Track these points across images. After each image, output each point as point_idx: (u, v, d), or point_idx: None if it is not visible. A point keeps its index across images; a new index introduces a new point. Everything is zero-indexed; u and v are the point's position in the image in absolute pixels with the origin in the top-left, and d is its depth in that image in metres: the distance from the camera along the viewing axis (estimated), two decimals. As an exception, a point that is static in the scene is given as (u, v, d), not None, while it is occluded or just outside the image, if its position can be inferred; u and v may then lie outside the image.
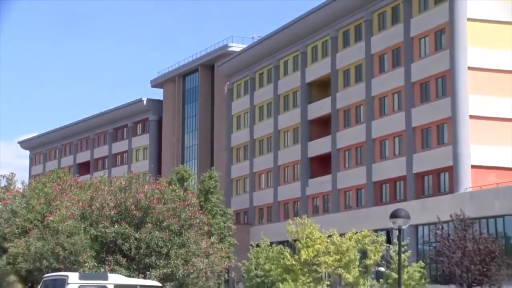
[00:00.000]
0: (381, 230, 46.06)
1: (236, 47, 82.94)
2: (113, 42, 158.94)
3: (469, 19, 52.68)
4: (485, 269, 34.71)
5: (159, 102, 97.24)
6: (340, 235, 40.80)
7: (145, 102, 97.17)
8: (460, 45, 52.56)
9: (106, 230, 27.34)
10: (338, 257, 38.66)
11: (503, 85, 52.70)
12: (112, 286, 20.26)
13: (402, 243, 28.48)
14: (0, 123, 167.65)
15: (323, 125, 67.44)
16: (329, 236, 40.53)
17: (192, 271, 28.03)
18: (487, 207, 45.66)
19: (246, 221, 74.69)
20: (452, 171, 52.42)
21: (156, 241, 27.34)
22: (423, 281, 38.98)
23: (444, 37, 54.24)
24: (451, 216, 37.31)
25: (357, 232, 40.71)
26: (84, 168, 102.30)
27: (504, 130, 52.36)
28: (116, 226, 27.45)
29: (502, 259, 35.91)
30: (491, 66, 52.74)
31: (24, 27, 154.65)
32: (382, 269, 40.05)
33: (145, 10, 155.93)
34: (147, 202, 27.97)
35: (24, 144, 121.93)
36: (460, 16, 52.72)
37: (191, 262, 27.99)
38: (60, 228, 27.35)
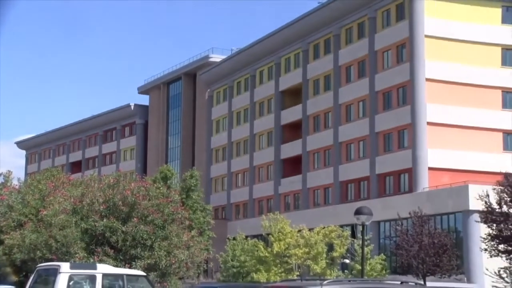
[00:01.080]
0: (346, 225, 46.19)
1: (216, 57, 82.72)
2: (104, 52, 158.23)
3: (426, 36, 52.92)
4: (438, 261, 34.99)
5: (145, 107, 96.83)
6: (309, 229, 40.87)
7: (132, 107, 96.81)
8: (419, 58, 52.78)
9: (95, 223, 27.16)
10: (307, 250, 38.70)
11: (457, 95, 52.94)
12: (101, 275, 20.13)
13: (365, 238, 28.80)
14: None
15: (294, 130, 67.34)
16: (299, 230, 40.55)
17: (174, 261, 27.91)
18: (441, 205, 45.93)
19: (223, 217, 74.55)
20: (411, 172, 52.66)
21: (141, 234, 27.17)
22: (384, 272, 39.24)
23: (405, 51, 54.47)
24: (409, 213, 37.48)
25: (324, 227, 40.72)
26: (76, 167, 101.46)
27: (457, 135, 52.57)
28: (104, 220, 27.26)
29: (453, 251, 36.27)
30: (447, 78, 52.94)
31: (22, 32, 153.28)
32: (347, 261, 40.15)
33: (133, 23, 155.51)
34: (133, 199, 27.79)
35: (20, 144, 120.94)
36: (419, 33, 52.96)
37: (173, 254, 27.86)
38: (53, 222, 27.13)
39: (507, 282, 29.85)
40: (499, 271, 30.58)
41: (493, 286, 31.60)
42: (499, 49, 54.99)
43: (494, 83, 54.28)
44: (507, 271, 30.22)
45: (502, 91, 54.79)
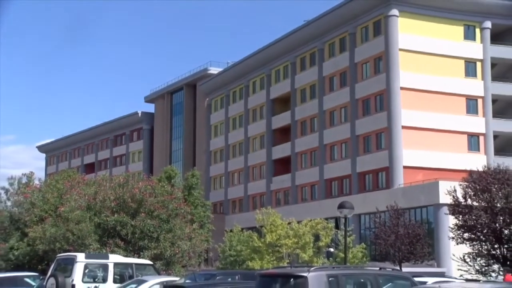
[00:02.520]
0: (331, 218, 45.93)
1: (214, 70, 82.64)
2: (114, 65, 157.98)
3: (400, 50, 53.06)
4: (412, 249, 35.05)
5: (151, 114, 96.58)
6: (298, 222, 40.72)
7: (139, 114, 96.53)
8: (394, 69, 52.90)
9: (107, 218, 27.23)
10: (296, 240, 38.53)
11: (428, 102, 53.09)
12: (112, 264, 20.23)
13: (348, 229, 28.84)
14: (22, 130, 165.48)
15: (284, 134, 67.37)
16: (289, 223, 40.45)
17: (177, 251, 27.99)
18: (415, 199, 46.01)
19: (221, 211, 74.40)
20: (388, 170, 52.76)
21: (148, 227, 27.27)
22: (365, 259, 39.11)
23: (381, 63, 54.51)
24: (387, 207, 37.51)
25: (311, 220, 40.59)
26: (90, 168, 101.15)
27: (429, 138, 52.73)
28: (115, 215, 27.35)
29: (425, 240, 36.37)
30: (419, 87, 53.09)
31: (42, 47, 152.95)
32: (332, 250, 39.97)
33: (140, 39, 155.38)
34: (141, 196, 27.87)
35: (41, 148, 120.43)
36: (394, 47, 53.10)
37: (177, 244, 27.94)
38: (70, 217, 27.17)
39: (470, 266, 30.06)
40: (463, 257, 30.81)
41: (458, 270, 31.81)
42: (462, 61, 55.42)
43: (459, 91, 54.61)
44: (470, 256, 30.43)
45: (466, 98, 55.06)
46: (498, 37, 57.28)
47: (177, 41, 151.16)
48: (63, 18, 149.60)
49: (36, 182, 36.49)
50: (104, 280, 19.76)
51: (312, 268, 12.26)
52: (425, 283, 15.61)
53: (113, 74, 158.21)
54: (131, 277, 19.97)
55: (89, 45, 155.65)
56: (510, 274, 26.23)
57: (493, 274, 29.37)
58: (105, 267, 20.09)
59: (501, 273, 29.13)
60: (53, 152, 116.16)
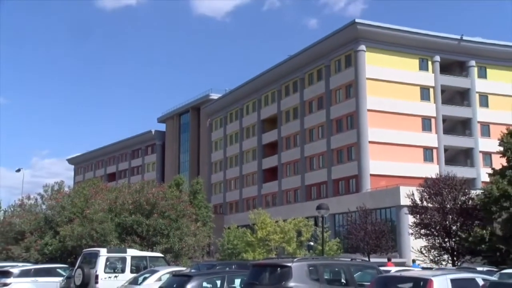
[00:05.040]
0: (311, 217, 45.99)
1: (214, 96, 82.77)
2: (132, 91, 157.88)
3: (367, 78, 53.29)
4: (378, 242, 34.87)
5: (163, 132, 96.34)
6: (283, 220, 40.63)
7: (153, 132, 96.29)
8: (362, 95, 53.02)
9: (126, 219, 27.11)
10: (282, 235, 38.49)
11: (391, 122, 53.19)
12: (130, 257, 20.03)
13: (325, 226, 28.84)
14: (55, 146, 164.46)
15: (272, 148, 67.43)
16: (276, 221, 40.31)
17: (184, 246, 27.84)
18: (380, 202, 46.02)
19: (221, 212, 74.16)
20: (357, 178, 52.74)
21: (160, 226, 27.17)
22: (339, 251, 38.93)
23: (352, 90, 54.63)
24: (357, 208, 37.43)
25: (294, 219, 40.52)
26: (111, 177, 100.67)
27: (391, 151, 52.81)
28: (132, 216, 27.24)
29: (389, 236, 36.21)
30: (383, 109, 53.20)
31: (69, 71, 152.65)
32: (312, 243, 39.84)
33: (155, 69, 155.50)
34: (154, 200, 27.78)
35: (70, 160, 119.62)
36: (362, 76, 53.33)
37: (184, 240, 27.82)
38: (94, 218, 27.05)
39: (426, 256, 30.05)
40: (420, 249, 30.80)
41: (416, 260, 31.77)
42: (418, 88, 55.63)
43: (416, 112, 54.83)
44: (426, 249, 30.44)
45: (422, 118, 55.26)
46: (445, 68, 57.80)
47: (185, 72, 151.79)
48: (93, 45, 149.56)
49: (66, 189, 36.41)
50: (123, 270, 19.60)
51: (295, 259, 12.38)
52: (389, 271, 15.65)
53: (132, 99, 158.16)
54: (145, 267, 19.83)
55: (106, 79, 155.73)
56: (391, 262, 26.25)
57: (443, 263, 29.39)
58: (123, 260, 19.91)
59: (449, 261, 29.20)
60: (80, 163, 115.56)
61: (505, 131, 27.55)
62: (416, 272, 13.52)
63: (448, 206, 29.48)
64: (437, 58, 56.62)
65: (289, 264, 11.88)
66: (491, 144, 49.82)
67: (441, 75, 56.70)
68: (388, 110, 53.42)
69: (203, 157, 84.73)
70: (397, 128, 53.38)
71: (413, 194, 31.38)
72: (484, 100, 58.42)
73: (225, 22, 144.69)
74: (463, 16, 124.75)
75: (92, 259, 19.67)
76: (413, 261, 29.94)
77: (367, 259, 31.76)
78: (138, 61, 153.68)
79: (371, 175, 51.93)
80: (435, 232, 29.84)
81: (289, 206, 60.12)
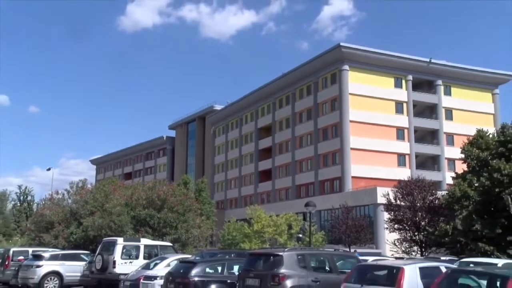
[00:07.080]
0: (300, 213, 45.81)
1: (218, 107, 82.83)
2: (147, 101, 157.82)
3: (350, 94, 53.38)
4: (358, 235, 35.01)
5: (173, 138, 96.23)
6: (276, 215, 40.64)
7: (165, 138, 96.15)
8: (345, 108, 53.10)
9: (140, 212, 27.11)
10: (275, 228, 38.45)
11: (370, 131, 53.27)
12: (143, 245, 19.99)
13: (312, 221, 28.90)
14: (79, 148, 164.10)
15: (267, 152, 67.38)
16: (270, 216, 40.29)
17: (190, 236, 27.79)
18: (359, 200, 46.10)
19: (222, 207, 74.17)
20: (341, 179, 52.74)
21: (169, 219, 27.17)
22: (324, 242, 38.98)
23: (337, 103, 54.71)
24: (339, 205, 37.51)
25: (286, 214, 40.58)
26: (128, 176, 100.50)
27: (370, 157, 52.83)
28: (146, 210, 27.27)
29: (367, 229, 36.31)
30: (363, 120, 53.24)
31: (87, 83, 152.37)
32: (301, 235, 39.90)
33: (167, 83, 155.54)
34: (164, 196, 27.80)
35: (93, 161, 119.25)
36: (345, 92, 53.44)
37: (190, 231, 27.81)
38: (112, 211, 27.00)
39: (398, 247, 29.99)
40: (394, 241, 30.77)
41: (390, 251, 31.78)
42: (393, 103, 55.82)
43: (391, 123, 54.98)
44: (398, 241, 30.39)
45: (396, 128, 55.42)
46: (417, 86, 58.07)
47: (193, 86, 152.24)
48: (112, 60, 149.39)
49: (89, 186, 36.29)
50: (137, 257, 19.59)
51: (286, 249, 12.37)
52: (366, 260, 15.66)
53: (147, 109, 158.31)
54: (156, 255, 19.79)
55: (125, 93, 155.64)
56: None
57: (413, 253, 29.40)
58: (137, 248, 19.91)
59: (418, 252, 29.17)
60: (101, 164, 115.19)
61: (466, 141, 27.67)
62: (390, 261, 13.55)
63: (418, 204, 29.49)
64: (410, 77, 56.86)
65: (280, 253, 11.90)
66: (454, 152, 49.94)
67: (413, 92, 56.93)
68: (367, 121, 53.56)
69: (208, 160, 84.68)
70: (375, 137, 53.52)
71: (388, 194, 31.37)
72: (449, 114, 58.66)
73: (228, 44, 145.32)
74: (432, 41, 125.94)
75: (110, 247, 19.65)
76: (354, 251, 29.80)
77: (348, 249, 31.65)
78: (153, 77, 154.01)
79: (352, 177, 51.99)
80: (406, 227, 29.82)
81: (281, 203, 60.03)
